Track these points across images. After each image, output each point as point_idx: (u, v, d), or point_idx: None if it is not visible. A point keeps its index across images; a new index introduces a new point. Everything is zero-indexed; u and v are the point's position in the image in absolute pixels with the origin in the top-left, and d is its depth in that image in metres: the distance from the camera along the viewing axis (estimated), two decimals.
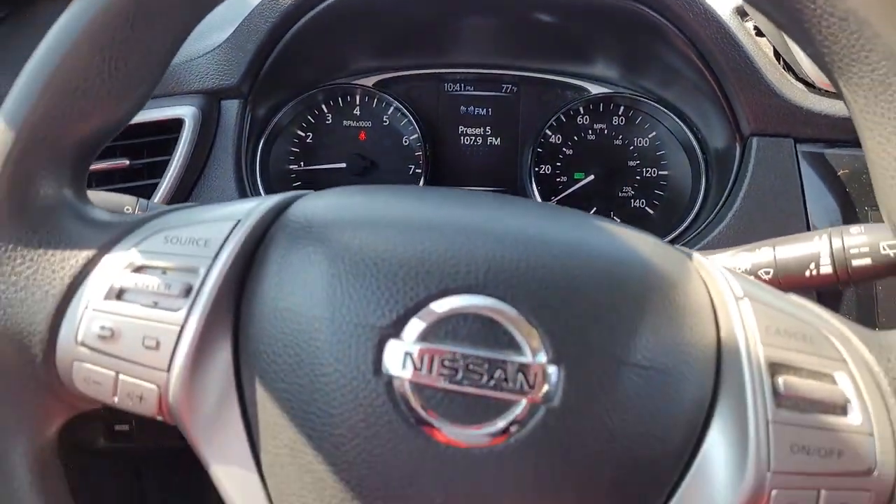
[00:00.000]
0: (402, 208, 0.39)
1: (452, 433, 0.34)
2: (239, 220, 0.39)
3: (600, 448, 0.35)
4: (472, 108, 0.89)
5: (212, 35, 0.78)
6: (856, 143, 0.71)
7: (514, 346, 0.35)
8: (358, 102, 0.88)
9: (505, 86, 0.89)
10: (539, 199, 0.87)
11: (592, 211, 0.88)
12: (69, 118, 0.38)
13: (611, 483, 0.35)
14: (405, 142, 0.89)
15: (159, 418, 0.38)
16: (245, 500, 0.37)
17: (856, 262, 0.50)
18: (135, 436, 0.94)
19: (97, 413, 0.83)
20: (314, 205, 0.41)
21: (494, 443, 0.34)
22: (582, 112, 0.88)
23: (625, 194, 0.88)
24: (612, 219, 0.88)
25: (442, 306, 0.35)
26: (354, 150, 0.88)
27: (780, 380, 0.36)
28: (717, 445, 0.37)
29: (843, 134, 0.69)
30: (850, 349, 0.37)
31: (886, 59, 0.35)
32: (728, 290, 0.38)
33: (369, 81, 0.87)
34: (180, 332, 0.37)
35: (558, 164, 0.88)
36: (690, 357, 0.37)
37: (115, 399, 0.37)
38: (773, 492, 0.35)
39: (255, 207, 0.40)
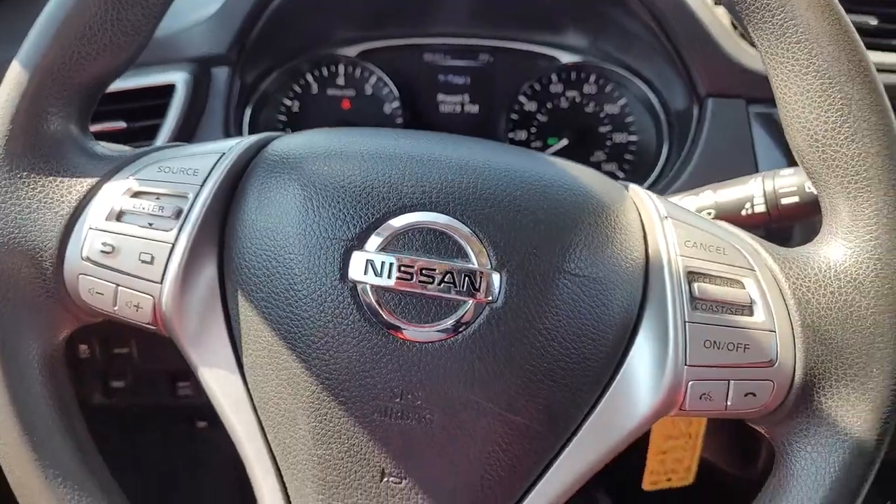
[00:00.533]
0: (367, 143, 0.44)
1: (409, 330, 0.39)
2: (224, 153, 0.44)
3: (538, 344, 0.40)
4: (450, 77, 0.94)
5: (204, 7, 0.82)
6: None
7: (463, 256, 0.40)
8: (342, 72, 0.93)
9: (482, 56, 0.94)
10: None
11: None
12: (76, 62, 0.43)
13: (548, 376, 0.40)
14: (386, 110, 0.93)
15: (153, 328, 0.43)
16: (229, 399, 0.43)
17: (784, 201, 0.55)
18: (130, 392, 0.99)
19: (95, 363, 0.87)
20: (290, 141, 0.46)
21: (445, 338, 0.39)
22: (555, 80, 0.92)
23: (596, 159, 0.93)
24: None
25: (399, 221, 0.40)
26: (338, 118, 0.93)
27: (696, 286, 0.41)
28: (643, 346, 0.42)
29: None
30: (759, 260, 0.42)
31: (783, 6, 0.40)
32: (655, 212, 0.44)
33: (352, 51, 0.92)
34: (171, 248, 0.42)
35: (533, 129, 0.93)
36: (620, 268, 0.42)
37: (115, 308, 0.42)
38: (690, 383, 0.40)
39: (238, 143, 0.45)
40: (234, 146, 0.45)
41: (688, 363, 0.40)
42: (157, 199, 0.43)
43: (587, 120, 0.93)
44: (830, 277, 0.41)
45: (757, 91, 0.74)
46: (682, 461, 0.71)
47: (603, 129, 0.93)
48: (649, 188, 0.86)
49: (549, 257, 0.40)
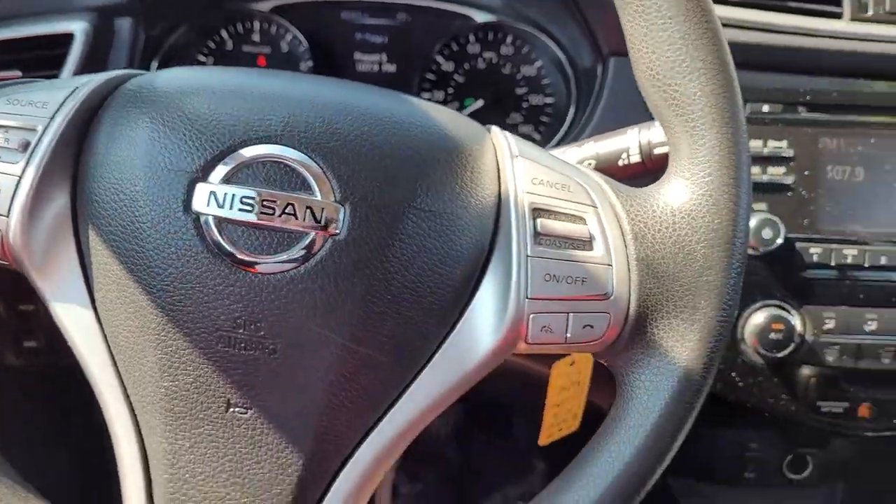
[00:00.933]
0: (221, 79, 0.44)
1: (251, 262, 0.40)
2: (77, 87, 0.44)
3: (382, 277, 0.40)
4: (367, 35, 0.94)
5: None
6: None
7: (306, 188, 0.40)
8: (257, 28, 0.92)
9: (399, 15, 0.94)
10: None
11: None
12: None
13: (392, 308, 0.41)
14: (303, 68, 0.93)
15: (4, 263, 0.43)
16: (80, 332, 0.43)
17: (657, 151, 0.56)
18: (45, 352, 0.98)
19: (1, 321, 0.86)
20: (148, 77, 0.46)
21: (287, 270, 0.40)
22: (472, 41, 0.93)
23: (513, 121, 0.94)
24: None
25: (244, 154, 0.40)
26: None
27: (539, 221, 0.42)
28: (491, 281, 0.43)
29: None
30: (602, 197, 0.43)
31: None
32: (507, 151, 0.44)
33: (265, 6, 0.91)
34: (18, 181, 0.41)
35: (450, 90, 0.94)
36: (470, 205, 0.42)
37: None
38: (531, 316, 0.41)
39: (93, 78, 0.45)
40: (89, 81, 0.45)
41: (529, 296, 0.41)
42: (5, 131, 0.42)
43: (504, 81, 0.93)
44: (667, 213, 0.42)
45: None
46: (571, 410, 0.73)
47: (520, 91, 0.93)
48: (556, 146, 0.87)
49: (395, 192, 0.41)
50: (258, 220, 0.40)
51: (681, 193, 0.42)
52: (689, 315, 0.41)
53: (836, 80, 0.75)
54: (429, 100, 0.93)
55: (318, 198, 0.40)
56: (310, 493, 0.42)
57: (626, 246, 0.42)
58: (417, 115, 0.44)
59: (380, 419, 0.42)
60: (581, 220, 0.42)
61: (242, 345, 0.40)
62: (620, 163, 0.58)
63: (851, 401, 0.76)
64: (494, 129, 0.48)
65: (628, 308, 0.42)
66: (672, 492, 1.03)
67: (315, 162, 0.40)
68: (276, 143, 0.41)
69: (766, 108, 0.73)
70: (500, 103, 0.93)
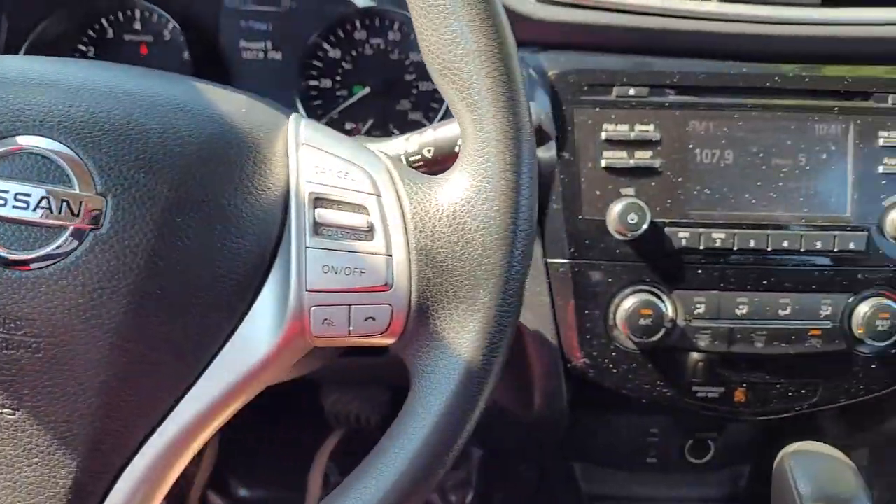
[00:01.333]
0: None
1: (7, 259, 0.38)
2: None
3: (149, 273, 0.39)
4: (251, 23, 0.92)
5: None
6: (569, 46, 0.76)
7: (65, 181, 0.39)
8: (138, 17, 0.90)
9: (284, 1, 0.92)
10: (306, 112, 0.91)
11: (369, 124, 0.92)
12: None
13: (164, 307, 0.39)
14: (186, 56, 0.91)
15: None
16: None
17: None
18: None
19: None
20: None
21: (45, 266, 0.38)
22: (359, 27, 0.91)
23: (402, 108, 0.93)
24: (392, 131, 0.93)
25: (0, 146, 0.39)
26: (136, 65, 0.90)
27: (318, 211, 0.41)
28: (276, 276, 0.41)
29: (559, 37, 0.74)
30: (388, 184, 0.42)
31: None
32: (294, 139, 0.43)
33: None
34: None
35: (337, 77, 0.92)
36: (253, 197, 0.41)
37: None
38: (312, 309, 0.40)
39: None
40: None
41: (308, 288, 0.40)
42: None
43: (392, 68, 0.92)
44: (449, 201, 0.41)
45: (525, 34, 0.74)
46: None
47: (409, 78, 0.92)
48: None
49: (162, 183, 0.39)
50: (11, 214, 0.38)
51: (463, 181, 0.41)
52: (469, 306, 0.40)
53: (704, 62, 0.74)
54: (316, 87, 0.92)
55: (76, 190, 0.38)
56: (87, 495, 0.40)
57: (406, 234, 0.41)
58: (197, 101, 0.42)
59: (164, 418, 0.41)
60: (363, 208, 0.41)
61: (3, 344, 0.38)
62: (457, 149, 0.57)
63: (727, 385, 0.76)
64: (294, 115, 0.46)
65: (410, 300, 0.41)
66: (575, 476, 1.03)
67: (74, 152, 0.39)
68: (34, 133, 0.39)
69: (632, 91, 0.72)
70: (389, 90, 0.92)
